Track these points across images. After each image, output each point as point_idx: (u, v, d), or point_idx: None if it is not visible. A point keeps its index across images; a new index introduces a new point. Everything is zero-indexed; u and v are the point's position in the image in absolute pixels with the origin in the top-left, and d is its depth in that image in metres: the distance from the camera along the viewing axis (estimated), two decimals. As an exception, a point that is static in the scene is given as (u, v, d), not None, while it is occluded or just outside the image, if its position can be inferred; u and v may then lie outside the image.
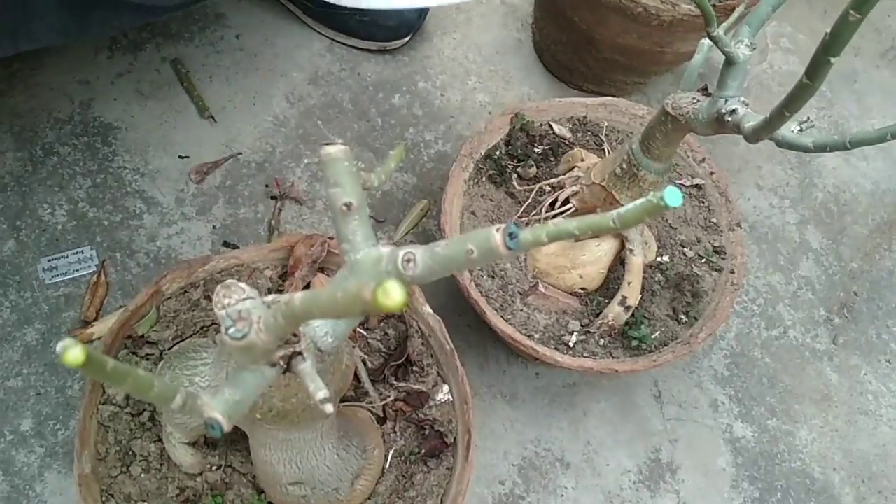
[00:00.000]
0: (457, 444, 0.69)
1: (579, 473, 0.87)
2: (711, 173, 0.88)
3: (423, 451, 0.69)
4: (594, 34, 0.96)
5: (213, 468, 0.66)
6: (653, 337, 0.79)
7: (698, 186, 0.89)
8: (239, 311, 0.31)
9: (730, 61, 0.58)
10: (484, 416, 0.87)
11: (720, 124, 0.59)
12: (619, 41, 0.94)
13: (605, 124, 0.90)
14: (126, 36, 1.04)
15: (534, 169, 0.86)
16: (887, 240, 1.08)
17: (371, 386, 0.70)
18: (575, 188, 0.79)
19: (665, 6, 0.85)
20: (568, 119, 0.90)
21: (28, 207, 0.91)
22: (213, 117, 0.99)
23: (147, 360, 0.69)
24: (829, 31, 0.39)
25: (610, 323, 0.77)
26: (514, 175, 0.86)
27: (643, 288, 0.79)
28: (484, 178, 0.86)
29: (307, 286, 0.72)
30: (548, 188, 0.85)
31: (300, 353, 0.39)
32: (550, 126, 0.88)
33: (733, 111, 0.57)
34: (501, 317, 0.77)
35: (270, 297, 0.37)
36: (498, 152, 0.87)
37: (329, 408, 0.37)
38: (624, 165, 0.71)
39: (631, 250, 0.77)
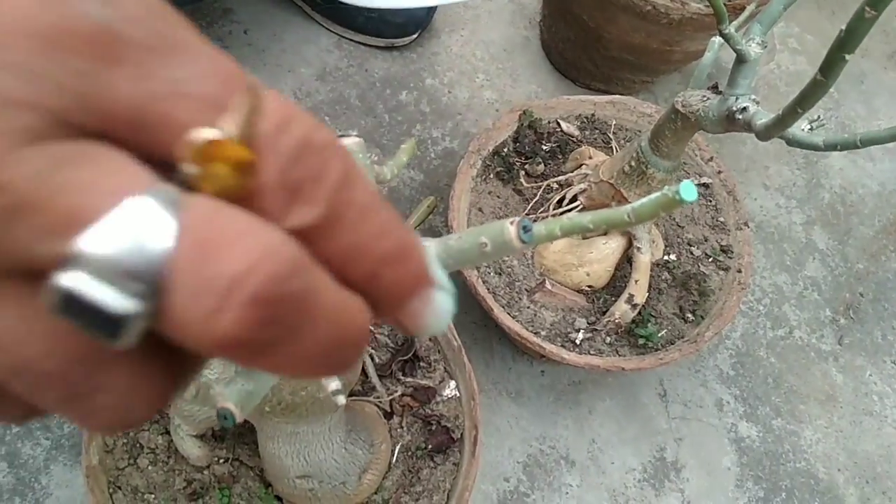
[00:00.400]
0: (463, 440, 0.69)
1: (584, 471, 0.87)
2: (719, 172, 0.88)
3: (430, 446, 0.69)
4: (602, 32, 0.96)
5: (221, 461, 0.66)
6: (659, 335, 0.79)
7: (706, 185, 0.89)
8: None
9: (741, 59, 0.58)
10: (489, 413, 0.88)
11: (730, 122, 0.59)
12: (627, 39, 0.94)
13: (613, 122, 0.90)
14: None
15: (541, 166, 0.86)
16: (893, 241, 1.08)
17: (378, 381, 0.70)
18: (583, 186, 0.79)
19: (674, 4, 0.85)
20: (576, 117, 0.90)
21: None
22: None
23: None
24: (843, 27, 0.39)
25: (617, 321, 0.78)
26: (522, 172, 0.86)
27: (650, 286, 0.79)
28: (491, 175, 0.86)
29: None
30: (555, 186, 0.85)
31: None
32: (558, 123, 0.88)
33: (744, 109, 0.57)
34: (508, 314, 0.77)
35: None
36: (506, 149, 0.87)
37: (341, 399, 0.37)
38: (632, 163, 0.71)
39: (638, 248, 0.77)
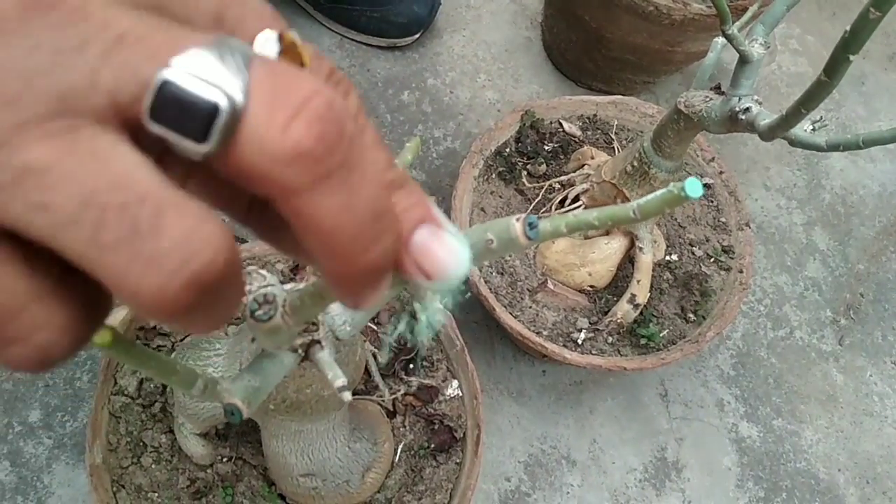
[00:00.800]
0: (466, 439, 0.69)
1: (585, 471, 0.87)
2: (721, 173, 0.88)
3: (433, 445, 0.69)
4: (604, 33, 0.96)
5: (224, 459, 0.66)
6: (661, 335, 0.79)
7: (708, 186, 0.89)
8: (265, 294, 0.32)
9: (744, 60, 0.58)
10: (490, 412, 0.88)
11: (733, 122, 0.59)
12: (629, 40, 0.94)
13: (615, 122, 0.90)
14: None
15: (544, 166, 0.86)
16: (894, 242, 1.08)
17: (381, 380, 0.71)
18: (585, 186, 0.80)
19: (676, 5, 0.85)
20: (578, 117, 0.90)
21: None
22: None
23: (159, 351, 0.69)
24: (848, 28, 0.39)
25: (618, 321, 0.78)
26: (524, 172, 0.87)
27: (652, 286, 0.79)
28: (494, 175, 0.86)
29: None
30: (558, 186, 0.85)
31: (318, 342, 0.39)
32: (560, 124, 0.89)
33: (747, 109, 0.57)
34: (510, 313, 0.77)
35: (290, 286, 0.37)
36: (508, 149, 0.87)
37: (347, 395, 0.37)
38: (635, 163, 0.72)
39: (640, 248, 0.77)
